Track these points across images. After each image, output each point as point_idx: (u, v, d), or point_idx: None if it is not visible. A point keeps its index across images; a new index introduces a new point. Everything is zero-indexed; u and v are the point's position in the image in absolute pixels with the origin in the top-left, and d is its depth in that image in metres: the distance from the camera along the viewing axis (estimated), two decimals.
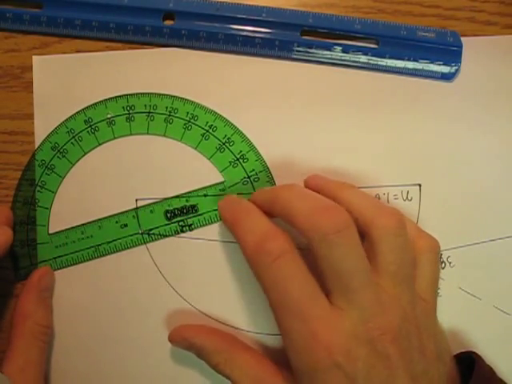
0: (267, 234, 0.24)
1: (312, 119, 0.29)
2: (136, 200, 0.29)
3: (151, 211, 0.29)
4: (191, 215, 0.29)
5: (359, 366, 0.22)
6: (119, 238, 0.29)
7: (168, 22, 0.29)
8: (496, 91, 0.29)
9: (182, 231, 0.29)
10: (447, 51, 0.29)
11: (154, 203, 0.29)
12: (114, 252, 0.29)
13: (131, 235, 0.29)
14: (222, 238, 0.29)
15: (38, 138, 0.29)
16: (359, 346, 0.22)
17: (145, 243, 0.29)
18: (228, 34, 0.29)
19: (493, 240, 0.29)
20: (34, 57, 0.29)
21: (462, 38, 0.29)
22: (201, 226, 0.29)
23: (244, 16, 0.29)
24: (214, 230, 0.29)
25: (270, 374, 0.25)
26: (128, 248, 0.29)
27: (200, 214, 0.29)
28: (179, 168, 0.29)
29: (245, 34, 0.29)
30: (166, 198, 0.29)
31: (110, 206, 0.29)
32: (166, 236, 0.29)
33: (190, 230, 0.29)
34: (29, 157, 0.29)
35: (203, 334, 0.27)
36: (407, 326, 0.23)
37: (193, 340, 0.27)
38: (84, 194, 0.29)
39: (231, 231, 0.26)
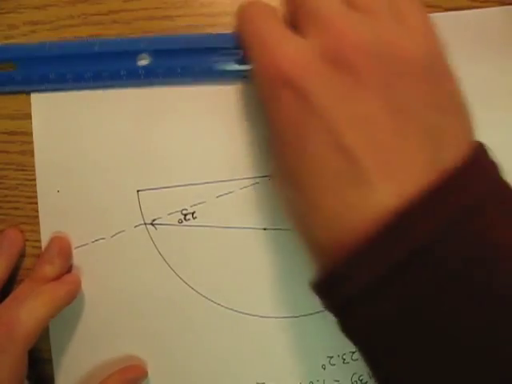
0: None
1: None
2: (137, 191, 0.29)
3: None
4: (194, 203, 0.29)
5: (315, 81, 0.20)
6: None
7: (142, 62, 0.28)
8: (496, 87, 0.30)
9: (185, 219, 0.29)
10: None
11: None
12: None
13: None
14: (226, 225, 0.29)
15: (36, 138, 0.29)
16: (319, 61, 0.20)
17: (148, 232, 0.29)
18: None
19: None
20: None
21: None
22: (204, 213, 0.29)
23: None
24: (217, 217, 0.29)
25: None
26: None
27: (203, 202, 0.29)
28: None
29: None
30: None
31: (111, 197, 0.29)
32: (169, 225, 0.29)
33: (193, 219, 0.29)
34: (29, 157, 0.29)
35: None
36: (385, 47, 0.20)
37: None
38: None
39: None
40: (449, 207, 0.19)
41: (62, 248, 0.29)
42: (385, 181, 0.19)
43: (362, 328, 0.20)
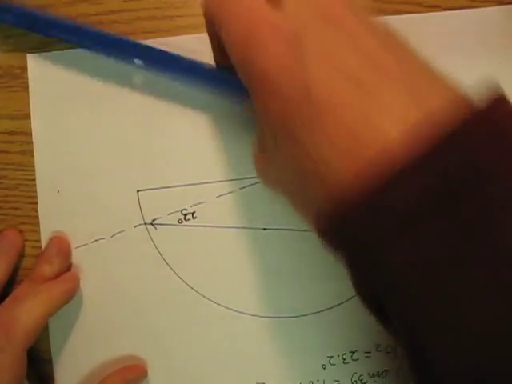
0: None
1: None
2: (137, 191, 0.29)
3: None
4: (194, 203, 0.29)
5: (301, 24, 0.19)
6: None
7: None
8: None
9: (185, 219, 0.29)
10: None
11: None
12: None
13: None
14: (226, 225, 0.29)
15: (36, 137, 0.29)
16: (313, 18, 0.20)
17: (148, 232, 0.29)
18: None
19: None
20: (28, 55, 0.29)
21: None
22: (204, 213, 0.29)
23: None
24: (217, 217, 0.29)
25: None
26: None
27: (203, 202, 0.29)
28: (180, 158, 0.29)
29: None
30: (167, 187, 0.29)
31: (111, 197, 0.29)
32: (169, 225, 0.29)
33: (193, 218, 0.29)
34: (29, 157, 0.30)
35: None
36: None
37: None
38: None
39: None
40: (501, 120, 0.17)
41: (61, 248, 0.29)
42: (406, 95, 0.17)
43: (401, 265, 0.16)
